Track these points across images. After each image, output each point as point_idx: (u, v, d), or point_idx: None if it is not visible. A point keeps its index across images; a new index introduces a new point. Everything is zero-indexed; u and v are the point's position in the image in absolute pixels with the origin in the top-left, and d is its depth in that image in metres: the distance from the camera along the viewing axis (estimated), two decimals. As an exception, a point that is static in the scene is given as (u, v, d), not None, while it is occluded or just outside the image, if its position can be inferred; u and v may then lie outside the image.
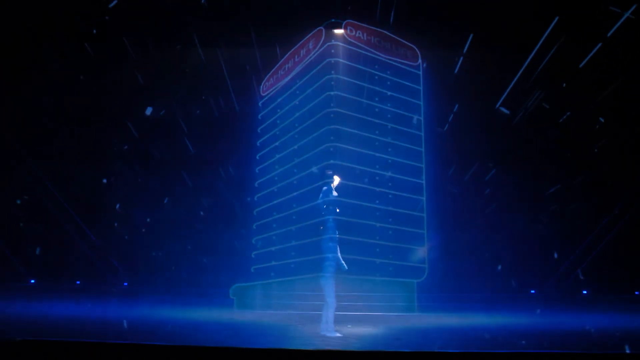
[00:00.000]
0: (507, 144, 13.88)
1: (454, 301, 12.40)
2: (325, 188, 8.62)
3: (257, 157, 14.21)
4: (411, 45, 12.99)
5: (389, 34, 12.68)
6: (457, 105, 13.51)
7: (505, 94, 12.93)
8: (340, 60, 11.93)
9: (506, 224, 13.61)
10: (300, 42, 13.16)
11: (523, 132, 13.76)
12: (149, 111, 12.92)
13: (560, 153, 14.21)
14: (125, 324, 8.07)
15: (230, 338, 6.95)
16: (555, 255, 13.97)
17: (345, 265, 7.82)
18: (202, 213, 14.10)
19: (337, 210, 8.68)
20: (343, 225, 9.78)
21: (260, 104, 14.62)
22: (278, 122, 13.62)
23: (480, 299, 12.79)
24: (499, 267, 13.53)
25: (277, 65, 14.18)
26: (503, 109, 13.18)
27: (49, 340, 5.11)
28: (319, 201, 8.43)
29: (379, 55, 12.45)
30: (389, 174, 11.80)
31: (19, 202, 13.21)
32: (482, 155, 13.92)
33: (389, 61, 12.53)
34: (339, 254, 8.20)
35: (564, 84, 13.21)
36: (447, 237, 12.62)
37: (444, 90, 13.24)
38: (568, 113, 13.60)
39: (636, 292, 13.77)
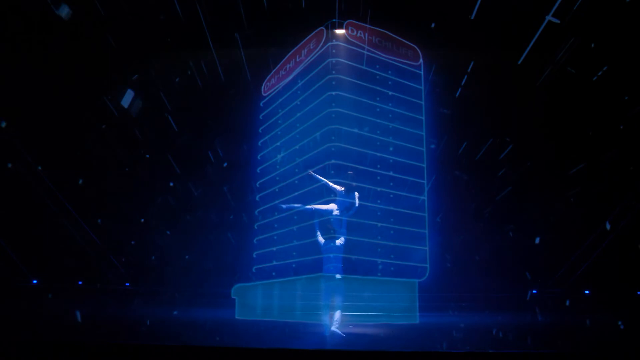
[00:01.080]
0: (529, 113, 12.36)
1: (456, 301, 12.35)
2: (357, 193, 9.28)
3: (259, 157, 14.21)
4: (412, 45, 12.96)
5: (390, 33, 12.66)
6: (471, 63, 12.30)
7: (531, 44, 10.91)
8: (342, 60, 11.92)
9: (517, 214, 12.91)
10: (302, 42, 13.16)
11: (548, 95, 12.16)
12: (64, 11, 11.80)
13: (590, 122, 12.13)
14: (125, 324, 8.07)
15: (231, 338, 6.94)
16: (608, 226, 12.08)
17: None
18: (203, 213, 14.11)
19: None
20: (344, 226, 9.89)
21: (261, 104, 14.62)
22: (279, 122, 13.61)
23: (484, 299, 12.71)
24: (537, 240, 12.40)
25: (279, 65, 14.17)
26: (553, 19, 10.67)
27: (48, 340, 5.12)
28: (356, 205, 9.13)
29: (380, 55, 12.43)
30: (391, 173, 11.78)
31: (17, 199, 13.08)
32: (497, 130, 12.59)
33: (390, 61, 12.51)
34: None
35: (603, 28, 10.85)
36: (450, 233, 12.48)
37: (455, 49, 12.18)
38: (605, 67, 11.41)
39: (638, 292, 13.40)
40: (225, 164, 13.69)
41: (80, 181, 13.33)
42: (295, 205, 10.41)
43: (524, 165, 12.72)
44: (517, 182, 12.88)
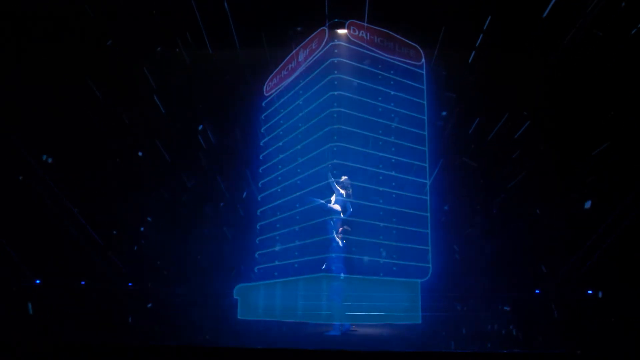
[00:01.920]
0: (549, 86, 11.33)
1: (459, 300, 12.27)
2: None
3: (261, 157, 14.22)
4: (414, 44, 12.93)
5: (392, 33, 12.64)
6: (487, 21, 11.15)
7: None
8: (344, 60, 11.91)
9: (527, 207, 12.21)
10: (304, 42, 13.16)
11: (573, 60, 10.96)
12: None
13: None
14: (124, 324, 8.08)
15: (231, 338, 6.94)
16: None
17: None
18: (205, 213, 14.08)
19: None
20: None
21: (263, 104, 14.63)
22: (281, 122, 13.62)
23: (487, 299, 12.61)
24: (588, 204, 11.02)
25: (281, 65, 14.18)
26: None
27: (48, 340, 5.12)
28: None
29: (382, 55, 12.42)
30: (393, 173, 11.76)
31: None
32: (513, 104, 11.51)
33: (392, 61, 12.50)
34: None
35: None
36: (453, 231, 12.36)
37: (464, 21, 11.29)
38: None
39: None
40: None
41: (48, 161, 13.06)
42: (320, 200, 10.79)
43: (539, 150, 11.66)
44: (531, 169, 11.95)
